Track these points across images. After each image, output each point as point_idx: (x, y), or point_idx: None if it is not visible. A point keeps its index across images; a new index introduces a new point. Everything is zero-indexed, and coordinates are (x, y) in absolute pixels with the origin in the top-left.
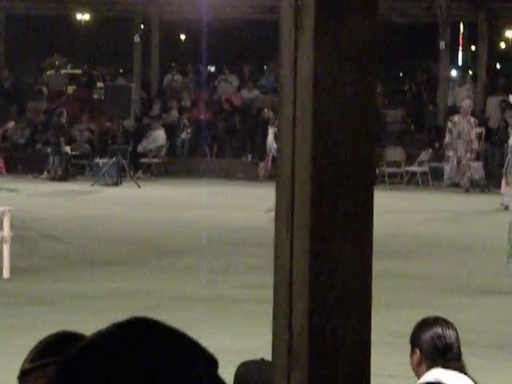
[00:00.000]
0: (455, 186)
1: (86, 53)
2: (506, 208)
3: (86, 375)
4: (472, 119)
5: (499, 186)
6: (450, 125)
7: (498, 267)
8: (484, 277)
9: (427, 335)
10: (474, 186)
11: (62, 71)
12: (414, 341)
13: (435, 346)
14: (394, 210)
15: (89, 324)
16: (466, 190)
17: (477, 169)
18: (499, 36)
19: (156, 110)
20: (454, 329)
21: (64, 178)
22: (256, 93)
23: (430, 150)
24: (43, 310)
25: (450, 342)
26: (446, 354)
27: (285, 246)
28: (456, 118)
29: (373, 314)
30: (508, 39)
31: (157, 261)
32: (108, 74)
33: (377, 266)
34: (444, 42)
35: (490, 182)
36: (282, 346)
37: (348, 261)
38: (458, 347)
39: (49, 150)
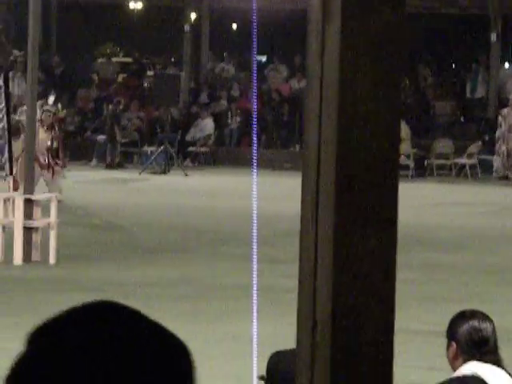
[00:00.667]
0: (505, 178)
1: (137, 41)
2: None
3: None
4: None
5: None
6: (500, 118)
7: None
8: None
9: (464, 328)
10: None
11: (113, 59)
12: (451, 334)
13: (472, 339)
14: (442, 202)
15: None
16: None
17: None
18: None
19: (204, 98)
20: (491, 322)
21: (121, 165)
22: (305, 83)
23: (480, 143)
24: (88, 297)
25: (487, 335)
26: (483, 348)
27: (310, 237)
28: (505, 110)
29: (419, 305)
30: None
31: (204, 249)
32: (159, 62)
33: (424, 258)
34: (495, 34)
35: None
36: (306, 337)
37: (372, 252)
38: (495, 340)
39: (98, 137)
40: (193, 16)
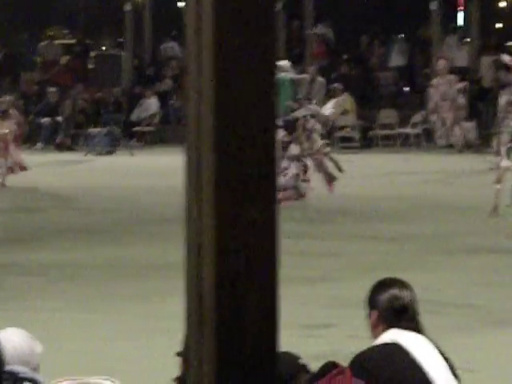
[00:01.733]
0: (449, 146)
1: (81, 23)
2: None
3: None
4: (452, 77)
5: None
6: (431, 90)
7: (491, 226)
8: (475, 236)
9: (384, 296)
10: (468, 147)
11: (57, 41)
12: (371, 302)
13: (391, 307)
14: (386, 172)
15: (77, 293)
16: (460, 151)
17: (470, 129)
18: None
19: (147, 78)
20: (411, 289)
21: (71, 147)
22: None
23: (423, 112)
24: (32, 280)
25: (407, 302)
26: (403, 315)
27: (194, 210)
28: (435, 80)
29: (358, 276)
30: None
31: (145, 228)
32: (104, 43)
33: (364, 228)
34: (436, 2)
35: (484, 141)
36: (193, 311)
37: (254, 224)
38: (415, 308)
39: (43, 120)
40: None
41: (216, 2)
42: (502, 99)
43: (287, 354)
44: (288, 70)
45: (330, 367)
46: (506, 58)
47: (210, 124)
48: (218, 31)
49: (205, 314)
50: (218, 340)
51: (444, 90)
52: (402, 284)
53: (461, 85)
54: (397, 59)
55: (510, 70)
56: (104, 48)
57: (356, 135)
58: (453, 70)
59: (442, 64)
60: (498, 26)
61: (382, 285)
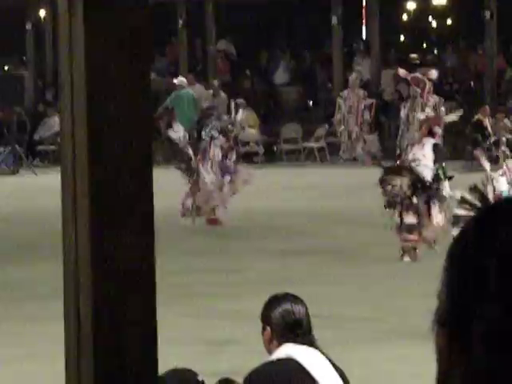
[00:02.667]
0: (353, 159)
1: None
2: None
3: None
4: (361, 92)
5: (395, 158)
6: (339, 101)
7: (390, 239)
8: (378, 249)
9: (277, 312)
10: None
11: None
12: (265, 318)
13: (285, 321)
14: (290, 187)
15: None
16: (363, 164)
17: (372, 141)
18: (401, 8)
19: (50, 97)
20: (304, 304)
21: None
22: (153, 75)
23: (326, 126)
24: None
25: (300, 317)
26: (296, 330)
27: (70, 235)
28: (345, 92)
29: (261, 291)
30: (410, 11)
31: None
32: (7, 63)
33: (269, 243)
34: (336, 17)
35: (386, 154)
36: (72, 336)
37: (130, 247)
38: (308, 322)
39: None
40: (42, 14)
41: (87, 22)
42: (402, 112)
43: (185, 371)
44: (186, 86)
45: (225, 383)
46: (401, 72)
47: (85, 149)
48: (89, 55)
49: (83, 339)
50: (97, 364)
51: (351, 103)
52: (294, 298)
53: (369, 101)
54: (281, 76)
55: (409, 84)
56: (6, 68)
57: (260, 150)
58: (362, 85)
59: (353, 77)
60: (399, 39)
61: (275, 300)
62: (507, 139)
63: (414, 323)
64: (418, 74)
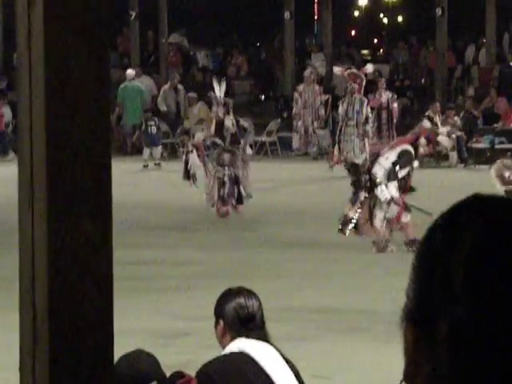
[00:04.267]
0: (304, 154)
1: None
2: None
3: None
4: (317, 87)
5: (330, 156)
6: (296, 95)
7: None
8: (328, 243)
9: (230, 306)
10: (322, 154)
11: None
12: (218, 312)
13: (238, 316)
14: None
15: None
16: (314, 158)
17: (324, 136)
18: (353, 4)
19: (2, 86)
20: (258, 298)
21: None
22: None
23: (279, 120)
24: None
25: (253, 311)
26: (249, 324)
27: (27, 224)
28: (301, 87)
29: (216, 285)
30: (361, 7)
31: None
32: None
33: (221, 236)
34: (289, 12)
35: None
36: (27, 324)
37: (88, 236)
38: (262, 316)
39: None
40: None
41: (46, 11)
42: (341, 108)
43: (152, 357)
44: (133, 78)
45: (177, 377)
46: (336, 69)
47: (43, 137)
48: (48, 44)
49: (38, 328)
50: (52, 352)
51: (307, 98)
52: (248, 293)
53: (324, 97)
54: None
55: (351, 80)
56: None
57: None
58: (318, 80)
59: (307, 73)
60: (351, 35)
61: (229, 294)
62: (458, 136)
63: (376, 318)
64: (354, 70)
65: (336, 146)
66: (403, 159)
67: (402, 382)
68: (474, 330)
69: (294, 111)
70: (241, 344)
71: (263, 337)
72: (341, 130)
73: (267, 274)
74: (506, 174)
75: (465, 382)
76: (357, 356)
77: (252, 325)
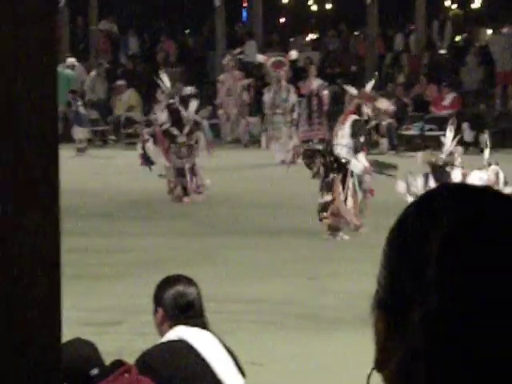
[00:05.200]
0: (236, 141)
1: None
2: (283, 162)
3: None
4: (236, 72)
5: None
6: (218, 85)
7: (277, 222)
8: (259, 229)
9: (169, 293)
10: (253, 141)
11: None
12: (157, 299)
13: (177, 303)
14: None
15: None
16: (245, 145)
17: (254, 124)
18: None
19: None
20: (196, 286)
21: None
22: None
23: (210, 107)
24: None
25: (192, 299)
26: (188, 312)
27: None
28: (222, 76)
29: (148, 272)
30: None
31: None
32: None
33: (152, 224)
34: None
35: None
36: None
37: (36, 226)
38: (201, 304)
39: None
40: None
41: None
42: (267, 96)
43: (92, 345)
44: (72, 67)
45: (117, 365)
46: (259, 57)
47: None
48: None
49: None
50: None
51: (229, 85)
52: (187, 280)
53: (245, 81)
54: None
55: (276, 68)
56: None
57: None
58: (241, 67)
59: (226, 60)
60: (281, 21)
61: (167, 282)
62: (388, 123)
63: (302, 309)
64: (279, 58)
65: (264, 134)
66: (356, 128)
67: (372, 369)
68: (449, 319)
69: (217, 101)
70: (179, 332)
71: (202, 325)
72: (268, 118)
73: (200, 261)
74: (433, 159)
75: (440, 369)
76: (289, 346)
77: (191, 312)
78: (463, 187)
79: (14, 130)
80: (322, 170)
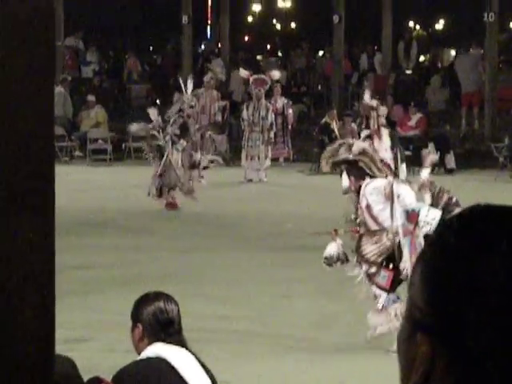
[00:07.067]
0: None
1: None
2: (250, 181)
3: None
4: (214, 93)
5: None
6: (194, 99)
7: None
8: (236, 249)
9: (149, 310)
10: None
11: None
12: (136, 316)
13: (157, 320)
14: (138, 185)
15: None
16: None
17: (221, 142)
18: (248, 10)
19: None
20: (176, 303)
21: None
22: None
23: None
24: None
25: (173, 316)
26: (169, 329)
27: None
28: (199, 91)
29: (114, 288)
30: (255, 13)
31: None
32: None
33: (115, 240)
34: (187, 16)
35: (235, 154)
36: None
37: (28, 239)
38: (179, 322)
39: None
40: None
41: None
42: (245, 113)
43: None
44: None
45: (95, 382)
46: (242, 72)
47: None
48: None
49: None
50: None
51: (204, 103)
52: (167, 297)
53: (222, 103)
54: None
55: (258, 85)
56: None
57: (108, 147)
58: (217, 86)
59: (208, 77)
60: (244, 40)
61: (147, 298)
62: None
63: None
64: (261, 75)
65: (243, 152)
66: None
67: None
68: None
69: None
70: (157, 349)
71: (181, 342)
72: (247, 136)
73: (163, 279)
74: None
75: None
76: (257, 363)
77: (171, 329)
78: (497, 207)
79: (11, 147)
80: None
